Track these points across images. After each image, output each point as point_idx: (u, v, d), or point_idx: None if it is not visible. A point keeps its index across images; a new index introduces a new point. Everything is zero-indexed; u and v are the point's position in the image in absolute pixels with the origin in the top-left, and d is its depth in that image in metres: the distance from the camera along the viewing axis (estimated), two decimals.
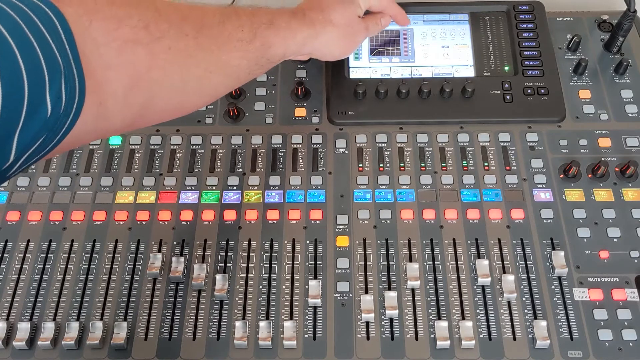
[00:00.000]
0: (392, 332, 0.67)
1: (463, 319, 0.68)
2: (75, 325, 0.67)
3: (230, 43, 0.59)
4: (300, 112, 0.84)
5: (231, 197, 0.77)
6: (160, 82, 0.53)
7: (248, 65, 0.62)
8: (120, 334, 0.66)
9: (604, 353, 0.65)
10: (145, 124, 0.58)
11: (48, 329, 0.67)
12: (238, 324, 0.67)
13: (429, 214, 0.75)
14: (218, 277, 0.69)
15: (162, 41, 0.52)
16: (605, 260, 0.71)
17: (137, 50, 0.50)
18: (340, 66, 0.86)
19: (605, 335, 0.66)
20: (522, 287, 0.70)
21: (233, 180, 0.78)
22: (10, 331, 0.67)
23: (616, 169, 0.78)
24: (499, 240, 0.73)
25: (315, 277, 0.70)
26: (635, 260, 0.71)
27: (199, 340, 0.67)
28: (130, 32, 0.49)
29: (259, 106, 0.85)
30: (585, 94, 0.85)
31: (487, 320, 0.68)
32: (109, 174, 0.79)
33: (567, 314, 0.68)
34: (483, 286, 0.70)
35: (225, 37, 0.59)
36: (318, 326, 0.68)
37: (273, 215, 0.75)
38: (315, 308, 0.69)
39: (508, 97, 0.83)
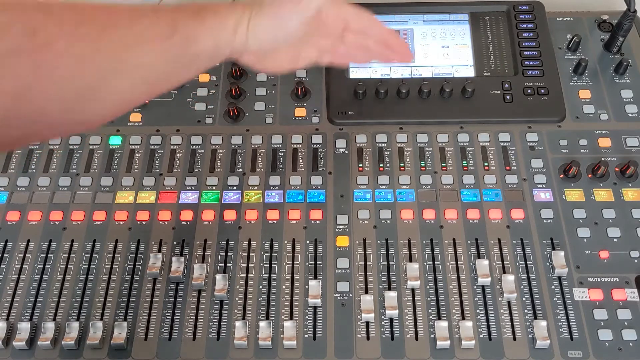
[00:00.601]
0: (392, 332, 0.67)
1: (463, 319, 0.68)
2: (75, 325, 0.67)
3: (141, 42, 0.52)
4: (300, 112, 0.84)
5: (231, 197, 0.77)
6: (51, 93, 0.48)
7: (167, 64, 0.55)
8: (121, 334, 0.66)
9: (604, 353, 0.65)
10: (43, 138, 0.54)
11: (48, 329, 0.67)
12: (238, 324, 0.67)
13: (429, 214, 0.75)
14: (218, 277, 0.69)
15: (51, 47, 0.47)
16: (605, 260, 0.71)
17: (20, 60, 0.46)
18: None
19: (605, 335, 0.66)
20: (522, 287, 0.70)
21: (233, 180, 0.78)
22: (10, 331, 0.67)
23: (616, 169, 0.78)
24: (499, 240, 0.73)
25: (315, 277, 0.70)
26: (635, 260, 0.71)
27: (199, 340, 0.67)
28: (12, 40, 0.45)
29: (259, 106, 0.85)
30: (585, 94, 0.85)
31: (487, 320, 0.68)
32: (109, 174, 0.79)
33: (567, 314, 0.68)
34: (483, 286, 0.70)
35: (135, 35, 0.52)
36: (318, 326, 0.68)
37: (273, 215, 0.75)
38: (315, 308, 0.69)
39: (508, 97, 0.83)
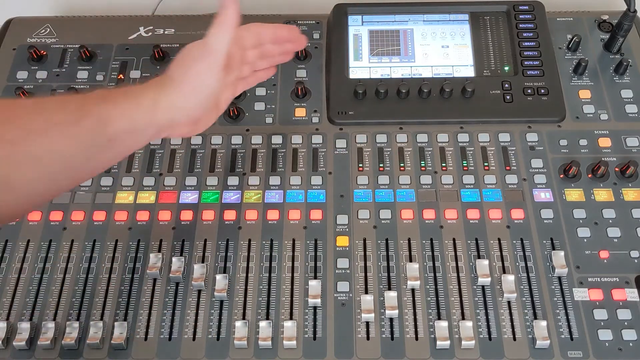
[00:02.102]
0: (392, 332, 0.67)
1: (463, 319, 0.68)
2: (75, 325, 0.67)
3: (48, 128, 0.51)
4: (300, 112, 0.84)
5: (231, 197, 0.77)
6: None
7: (80, 149, 0.53)
8: (121, 334, 0.66)
9: (604, 353, 0.65)
10: None
11: (48, 329, 0.67)
12: (238, 324, 0.67)
13: (429, 214, 0.75)
14: (218, 277, 0.69)
15: None
16: (605, 260, 0.71)
17: None
18: (340, 66, 0.86)
19: (605, 335, 0.66)
20: (522, 287, 0.70)
21: (233, 180, 0.78)
22: (11, 331, 0.67)
23: (616, 169, 0.78)
24: (499, 240, 0.73)
25: (315, 277, 0.70)
26: (635, 260, 0.71)
27: (199, 340, 0.67)
28: None
29: (259, 106, 0.85)
30: (585, 94, 0.85)
31: (487, 320, 0.68)
32: (109, 174, 0.79)
33: (567, 314, 0.68)
34: (483, 286, 0.70)
35: (41, 122, 0.51)
36: (318, 326, 0.68)
37: (273, 215, 0.75)
38: (315, 308, 0.69)
39: (508, 97, 0.83)
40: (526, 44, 0.87)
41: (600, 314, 0.68)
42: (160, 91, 0.58)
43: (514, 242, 0.73)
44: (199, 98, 0.60)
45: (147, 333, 0.67)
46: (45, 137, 0.50)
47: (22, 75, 0.88)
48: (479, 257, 0.72)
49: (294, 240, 0.73)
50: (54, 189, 0.55)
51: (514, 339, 0.67)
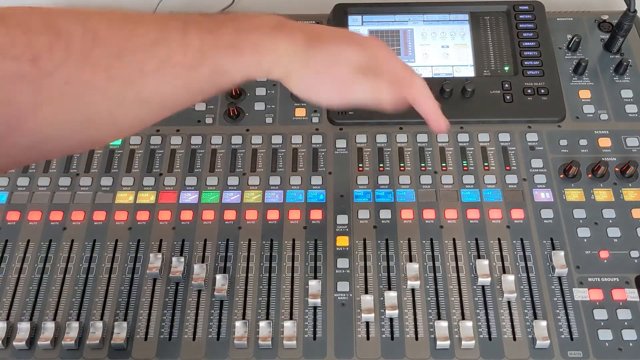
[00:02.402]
0: (392, 332, 0.67)
1: (463, 319, 0.68)
2: (75, 325, 0.67)
3: (162, 70, 0.47)
4: (300, 112, 0.84)
5: (231, 197, 0.77)
6: (52, 122, 0.44)
7: (188, 95, 0.50)
8: (120, 334, 0.66)
9: (604, 353, 0.65)
10: (42, 158, 0.51)
11: (48, 329, 0.66)
12: (238, 324, 0.67)
13: (429, 214, 0.75)
14: (218, 277, 0.69)
15: (55, 75, 0.42)
16: (605, 260, 0.71)
17: (20, 87, 0.41)
18: None
19: (605, 335, 0.66)
20: (522, 287, 0.70)
21: (233, 180, 0.78)
22: (10, 331, 0.67)
23: (616, 169, 0.78)
24: (499, 240, 0.73)
25: (315, 277, 0.70)
26: (635, 260, 0.71)
27: (199, 340, 0.67)
28: (11, 65, 0.41)
29: (259, 106, 0.85)
30: (585, 94, 0.85)
31: (487, 320, 0.68)
32: (109, 174, 0.79)
33: (567, 314, 0.68)
34: (483, 286, 0.70)
35: (157, 62, 0.46)
36: (318, 326, 0.68)
37: (273, 215, 0.75)
38: (315, 308, 0.69)
39: (508, 97, 0.83)
40: (526, 44, 0.87)
41: (600, 314, 0.68)
42: (289, 65, 0.52)
43: (514, 242, 0.73)
44: (312, 96, 0.55)
45: (147, 333, 0.67)
46: (157, 78, 0.47)
47: None
48: (479, 257, 0.72)
49: (294, 240, 0.73)
50: (150, 122, 0.52)
51: (514, 339, 0.67)
